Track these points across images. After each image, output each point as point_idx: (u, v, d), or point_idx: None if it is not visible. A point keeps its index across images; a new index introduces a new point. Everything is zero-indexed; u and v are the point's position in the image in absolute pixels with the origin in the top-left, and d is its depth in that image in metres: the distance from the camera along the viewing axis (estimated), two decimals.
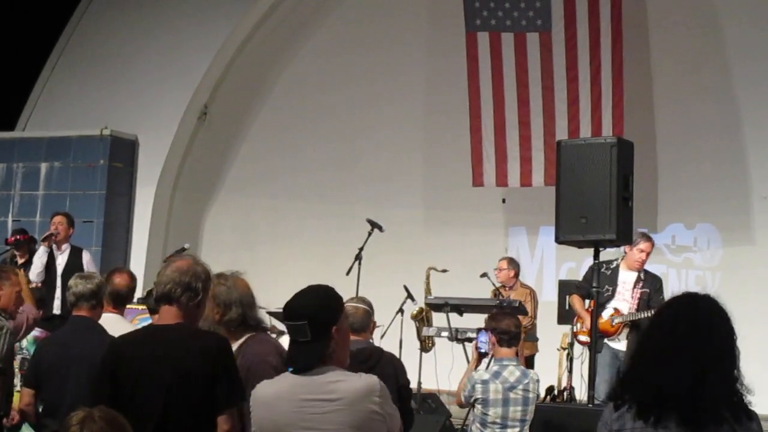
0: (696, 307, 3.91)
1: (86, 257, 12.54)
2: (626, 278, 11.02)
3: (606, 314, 10.86)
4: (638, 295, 10.91)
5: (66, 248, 12.47)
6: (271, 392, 4.37)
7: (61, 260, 12.42)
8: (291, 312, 4.47)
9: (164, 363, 4.90)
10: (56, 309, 12.24)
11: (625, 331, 10.86)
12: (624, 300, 10.94)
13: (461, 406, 8.41)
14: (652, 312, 10.39)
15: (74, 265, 12.22)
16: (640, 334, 4.19)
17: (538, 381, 8.20)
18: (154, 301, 5.25)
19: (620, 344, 10.84)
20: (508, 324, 8.19)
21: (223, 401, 4.84)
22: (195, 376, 4.88)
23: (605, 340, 10.85)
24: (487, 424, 7.86)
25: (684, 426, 3.77)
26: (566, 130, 14.90)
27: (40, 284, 11.79)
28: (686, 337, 3.82)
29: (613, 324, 10.83)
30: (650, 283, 11.00)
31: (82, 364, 6.36)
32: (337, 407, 4.39)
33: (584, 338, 10.74)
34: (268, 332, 5.86)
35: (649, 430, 3.79)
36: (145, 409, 4.84)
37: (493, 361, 8.15)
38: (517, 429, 7.90)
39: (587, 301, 11.13)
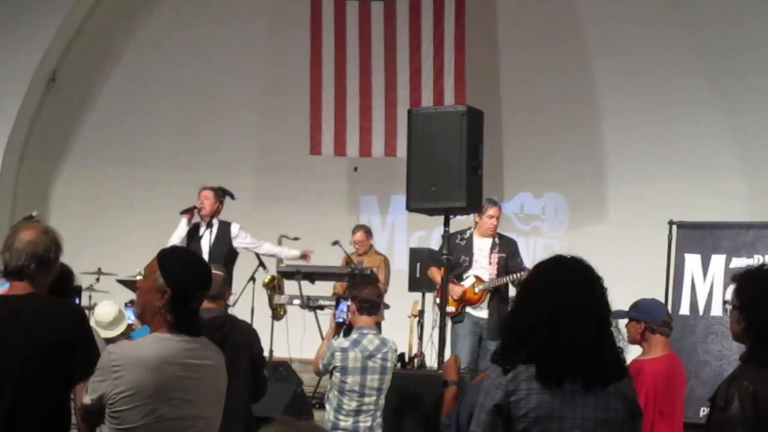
0: (577, 268, 3.93)
1: (234, 229, 11.82)
2: (481, 245, 10.98)
3: (468, 283, 10.83)
4: (496, 260, 10.89)
5: (214, 223, 11.70)
6: (153, 354, 4.22)
7: (207, 236, 11.71)
8: (210, 280, 4.54)
9: (20, 333, 4.68)
10: None
11: (487, 298, 10.86)
12: (482, 268, 10.90)
13: (319, 374, 8.36)
14: (514, 276, 10.49)
15: (222, 240, 11.55)
16: (519, 296, 4.15)
17: (396, 350, 8.17)
18: (4, 274, 5.00)
19: (482, 312, 10.80)
20: (369, 293, 8.11)
21: (81, 371, 4.62)
22: (53, 346, 4.70)
23: (467, 309, 10.85)
24: (345, 391, 7.80)
25: (589, 387, 3.79)
26: (408, 100, 14.94)
27: None
28: (579, 298, 3.84)
29: (476, 292, 10.82)
30: (506, 246, 11.01)
31: None
32: (210, 373, 4.41)
33: (450, 308, 10.58)
34: None
35: (548, 391, 3.79)
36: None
37: (353, 329, 8.09)
38: (374, 397, 7.84)
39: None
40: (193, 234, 11.63)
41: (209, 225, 11.58)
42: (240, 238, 11.74)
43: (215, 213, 11.67)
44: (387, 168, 15.67)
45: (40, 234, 4.90)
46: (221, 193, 11.78)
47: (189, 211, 11.63)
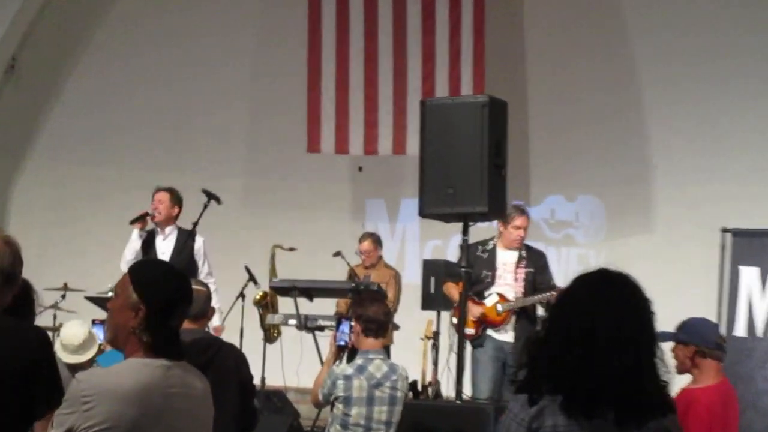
0: (620, 286, 3.89)
1: (198, 243, 11.58)
2: (506, 259, 10.87)
3: (490, 301, 10.72)
4: (523, 276, 10.79)
5: (172, 231, 11.66)
6: (128, 382, 4.18)
7: (165, 247, 11.62)
8: (190, 294, 4.54)
9: None
10: None
11: (512, 320, 10.75)
12: (507, 284, 10.78)
13: (318, 405, 8.34)
14: (543, 295, 10.42)
15: (182, 251, 11.42)
16: (553, 312, 4.12)
17: (407, 378, 8.13)
18: None
19: (506, 335, 10.71)
20: (376, 311, 8.06)
21: (43, 404, 4.62)
22: (10, 375, 4.64)
23: (488, 332, 10.78)
24: (348, 425, 7.77)
25: (622, 423, 3.76)
26: (419, 90, 14.92)
27: None
28: (619, 322, 3.80)
29: (499, 312, 10.74)
30: (534, 260, 10.90)
31: None
32: (194, 403, 4.39)
33: (470, 331, 10.46)
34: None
35: (576, 425, 3.75)
36: None
37: (357, 353, 8.04)
38: None
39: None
40: (149, 245, 11.55)
41: (181, 233, 11.55)
42: (198, 256, 11.61)
43: (172, 219, 11.64)
44: (396, 168, 15.65)
45: (1, 245, 4.87)
46: (179, 196, 11.73)
47: (140, 220, 11.53)
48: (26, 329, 4.95)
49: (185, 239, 11.51)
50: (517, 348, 10.52)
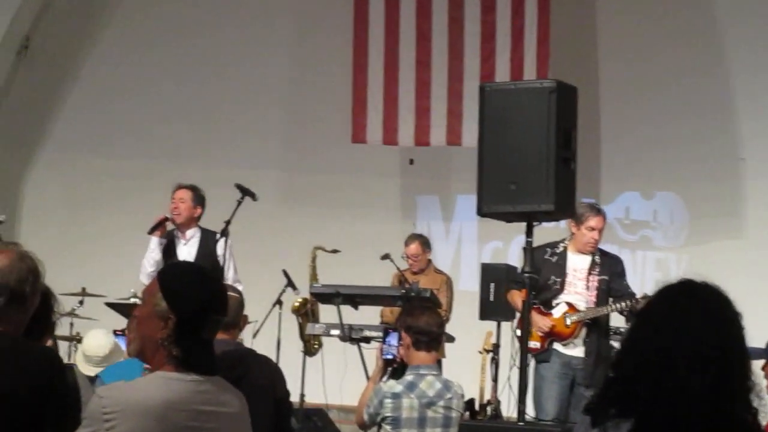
0: (709, 298, 3.85)
1: (221, 245, 11.44)
2: (577, 264, 10.74)
3: (558, 312, 10.61)
4: (596, 284, 10.63)
5: (193, 234, 11.69)
6: (155, 399, 4.16)
7: (187, 252, 11.57)
8: (225, 302, 4.52)
9: None
10: None
11: (582, 333, 10.62)
12: (577, 293, 10.67)
13: (363, 427, 8.32)
14: (621, 305, 10.32)
15: (209, 255, 11.36)
16: (631, 328, 4.07)
17: (462, 396, 8.09)
18: None
19: (576, 350, 10.58)
20: (428, 321, 8.02)
21: (56, 429, 4.60)
22: (18, 399, 4.62)
23: (555, 345, 10.66)
24: None
25: None
26: (478, 73, 14.88)
27: None
28: (704, 337, 3.75)
29: (568, 324, 10.61)
30: (608, 267, 10.75)
31: None
32: (229, 422, 4.38)
33: (534, 344, 10.36)
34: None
35: None
36: None
37: (407, 368, 8.01)
38: None
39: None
40: (170, 252, 11.45)
41: (205, 235, 11.55)
42: (224, 258, 11.49)
43: (194, 220, 11.64)
44: (451, 160, 15.64)
45: (13, 261, 4.84)
46: (202, 194, 11.69)
47: (160, 227, 11.48)
48: (35, 350, 4.94)
49: (211, 241, 11.51)
50: (587, 364, 10.44)
